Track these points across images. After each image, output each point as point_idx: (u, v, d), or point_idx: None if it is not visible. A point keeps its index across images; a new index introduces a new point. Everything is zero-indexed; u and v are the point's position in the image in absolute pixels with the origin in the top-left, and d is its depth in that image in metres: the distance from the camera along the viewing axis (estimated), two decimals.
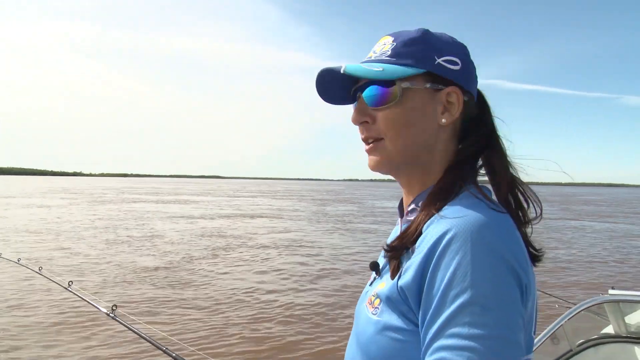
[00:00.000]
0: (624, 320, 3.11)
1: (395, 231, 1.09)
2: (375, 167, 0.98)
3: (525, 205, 0.94)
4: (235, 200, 45.40)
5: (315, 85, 1.00)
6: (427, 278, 0.76)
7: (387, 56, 0.95)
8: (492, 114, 1.01)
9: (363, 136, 0.98)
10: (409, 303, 0.80)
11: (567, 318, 2.99)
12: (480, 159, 0.98)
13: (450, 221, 0.78)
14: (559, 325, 3.00)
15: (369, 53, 1.00)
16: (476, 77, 1.00)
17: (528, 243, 0.90)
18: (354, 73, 0.92)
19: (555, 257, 13.88)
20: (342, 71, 0.93)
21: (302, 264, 12.31)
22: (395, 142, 0.94)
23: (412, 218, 0.94)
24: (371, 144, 0.96)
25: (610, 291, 3.16)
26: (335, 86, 1.01)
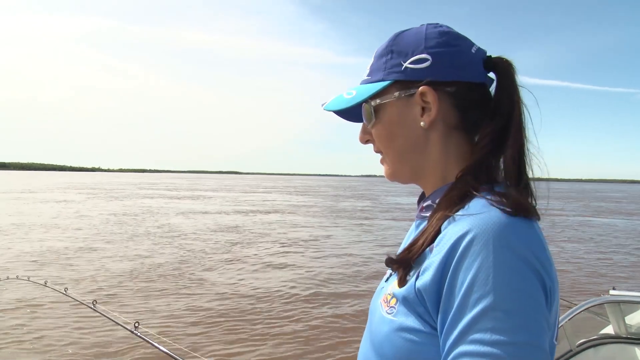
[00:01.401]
0: (624, 321, 3.08)
1: (412, 230, 1.08)
2: (388, 178, 1.02)
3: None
4: (253, 197, 45.59)
5: (337, 114, 1.06)
6: (447, 281, 0.73)
7: (367, 76, 0.99)
8: (516, 92, 0.90)
9: (374, 150, 1.03)
10: (426, 305, 0.77)
11: (568, 318, 2.96)
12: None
13: (470, 221, 0.76)
14: (560, 325, 2.97)
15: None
16: (465, 61, 0.92)
17: None
18: (330, 109, 1.00)
19: (560, 254, 13.77)
20: (323, 108, 1.01)
21: (321, 265, 12.30)
22: (388, 155, 0.98)
23: (427, 215, 0.93)
24: (380, 158, 1.02)
25: (612, 291, 3.12)
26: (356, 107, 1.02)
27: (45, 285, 3.78)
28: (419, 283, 0.78)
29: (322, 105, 1.02)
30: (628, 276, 11.44)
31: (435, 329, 0.76)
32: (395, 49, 0.96)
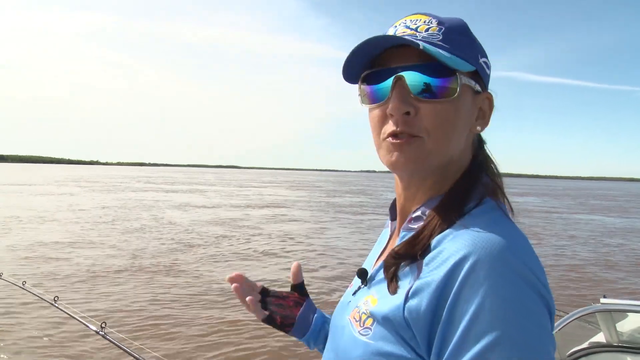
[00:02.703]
0: (615, 329, 3.05)
1: (384, 233, 1.01)
2: (404, 166, 0.81)
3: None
4: (250, 191, 45.51)
5: (352, 53, 0.83)
6: (447, 309, 0.66)
7: (440, 41, 0.80)
8: None
9: (398, 129, 0.79)
10: (414, 329, 0.69)
11: (558, 328, 2.93)
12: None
13: (471, 241, 0.68)
14: None
15: (400, 28, 0.83)
16: None
17: None
18: (433, 54, 0.76)
19: (552, 256, 13.67)
20: (420, 47, 0.75)
21: (308, 266, 12.10)
22: (439, 143, 0.79)
23: (415, 227, 0.83)
24: (403, 139, 0.80)
25: (602, 300, 3.07)
26: (360, 61, 0.85)
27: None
28: (410, 305, 0.70)
29: (419, 46, 0.76)
30: (619, 277, 11.28)
31: (421, 357, 0.70)
32: (472, 36, 0.85)
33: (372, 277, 0.87)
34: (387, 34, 0.84)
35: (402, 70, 0.79)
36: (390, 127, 0.80)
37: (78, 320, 2.92)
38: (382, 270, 0.82)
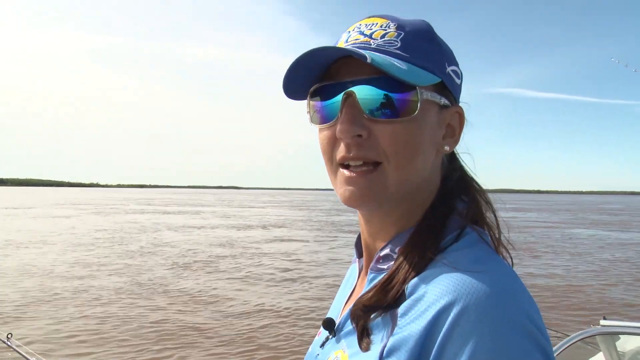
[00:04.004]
0: (616, 351, 2.98)
1: (352, 272, 0.90)
2: (361, 203, 0.70)
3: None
4: (248, 212, 45.31)
5: (294, 67, 0.71)
6: None
7: (397, 49, 0.69)
8: None
9: (351, 155, 0.69)
10: None
11: (557, 353, 2.85)
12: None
13: (454, 285, 0.58)
14: None
15: (354, 35, 0.72)
16: None
17: None
18: (384, 68, 0.64)
19: (551, 275, 13.47)
20: (368, 61, 0.63)
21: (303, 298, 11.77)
22: (401, 170, 0.68)
23: (384, 267, 0.72)
24: (359, 172, 0.69)
25: (602, 322, 2.97)
26: (303, 74, 0.73)
27: None
28: None
29: (366, 57, 0.64)
30: (619, 296, 10.99)
31: None
32: (438, 41, 0.74)
33: (340, 327, 0.76)
34: (339, 41, 0.74)
35: (353, 85, 0.68)
36: (341, 151, 0.70)
37: None
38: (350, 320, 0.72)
